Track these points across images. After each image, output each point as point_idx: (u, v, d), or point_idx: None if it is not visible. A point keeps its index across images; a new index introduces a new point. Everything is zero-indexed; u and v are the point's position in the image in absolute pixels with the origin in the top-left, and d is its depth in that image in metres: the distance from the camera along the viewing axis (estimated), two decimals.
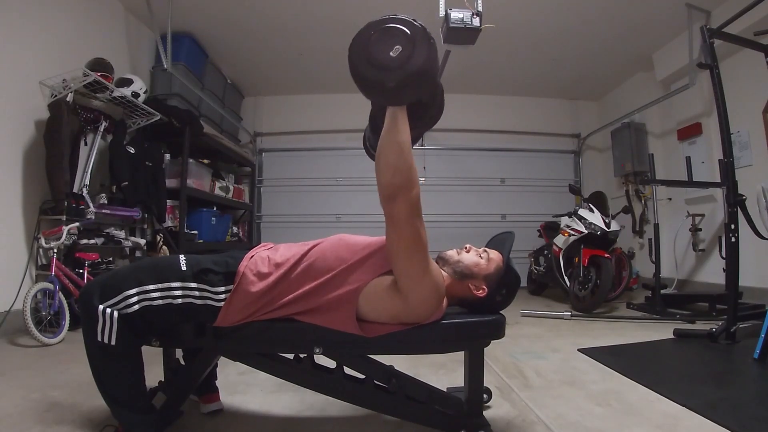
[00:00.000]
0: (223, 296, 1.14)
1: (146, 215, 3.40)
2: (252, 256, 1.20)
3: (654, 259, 3.66)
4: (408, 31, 0.99)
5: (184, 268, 1.14)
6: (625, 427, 1.33)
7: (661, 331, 2.67)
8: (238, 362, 1.25)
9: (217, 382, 1.47)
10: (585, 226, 3.67)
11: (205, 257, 1.20)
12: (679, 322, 2.96)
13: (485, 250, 1.29)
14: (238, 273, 1.15)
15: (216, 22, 3.94)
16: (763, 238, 2.61)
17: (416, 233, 1.05)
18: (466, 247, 1.29)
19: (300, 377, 1.26)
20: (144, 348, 1.19)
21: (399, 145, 1.02)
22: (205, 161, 4.34)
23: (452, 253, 1.29)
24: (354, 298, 1.10)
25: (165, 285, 1.12)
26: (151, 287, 1.11)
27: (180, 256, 1.19)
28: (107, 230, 3.08)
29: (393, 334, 1.13)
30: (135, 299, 1.11)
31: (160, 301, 1.11)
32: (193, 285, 1.13)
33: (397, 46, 0.98)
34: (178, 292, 1.12)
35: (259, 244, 1.35)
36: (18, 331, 2.37)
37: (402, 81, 0.98)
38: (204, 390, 1.42)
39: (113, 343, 1.09)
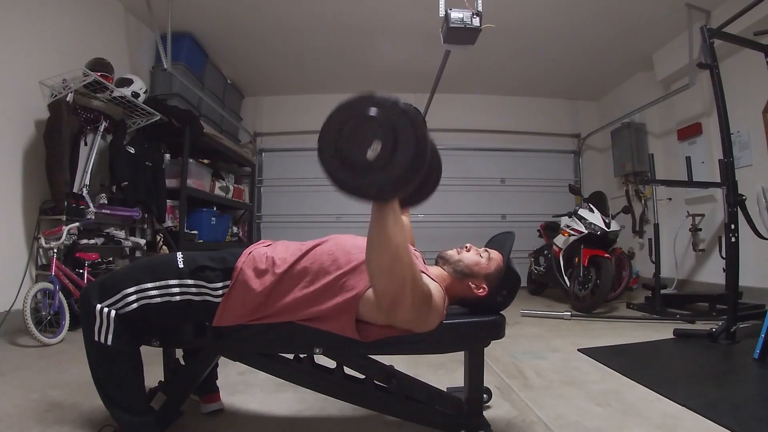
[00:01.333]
0: (220, 292, 1.13)
1: (146, 215, 3.40)
2: (250, 253, 1.19)
3: (654, 259, 3.66)
4: (387, 121, 0.76)
5: (181, 265, 1.14)
6: (625, 427, 1.33)
7: (661, 331, 2.67)
8: (238, 362, 1.25)
9: (218, 382, 1.47)
10: (585, 226, 3.67)
11: (202, 254, 1.19)
12: (679, 322, 2.96)
13: (486, 250, 1.29)
14: (236, 269, 1.14)
15: (216, 22, 3.94)
16: (763, 238, 2.61)
17: (425, 318, 1.01)
18: (466, 247, 1.29)
19: (300, 377, 1.25)
20: (144, 348, 1.19)
21: (391, 243, 0.86)
22: (205, 161, 4.34)
23: (453, 253, 1.29)
24: (353, 306, 1.08)
25: (163, 283, 1.12)
26: (149, 285, 1.11)
27: (178, 253, 1.19)
28: (107, 230, 3.08)
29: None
30: (133, 298, 1.11)
31: (159, 299, 1.11)
32: (190, 282, 1.13)
33: (376, 143, 0.76)
34: (176, 290, 1.12)
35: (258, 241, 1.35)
36: (18, 331, 2.37)
37: (383, 187, 0.78)
38: (205, 390, 1.42)
39: (109, 342, 1.09)
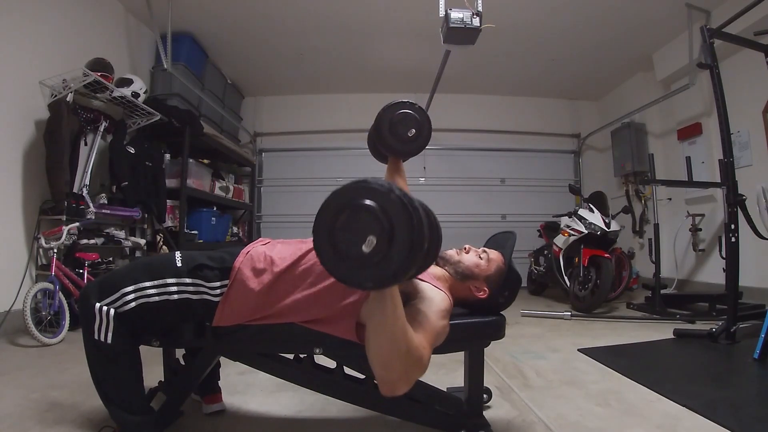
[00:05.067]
0: (218, 291, 1.13)
1: (146, 215, 3.39)
2: (248, 252, 1.19)
3: (654, 259, 3.66)
4: (383, 213, 0.72)
5: (179, 264, 1.14)
6: (625, 427, 1.33)
7: (661, 331, 2.67)
8: (238, 362, 1.25)
9: (219, 382, 1.47)
10: (585, 226, 3.67)
11: (200, 253, 1.19)
12: (679, 322, 2.96)
13: (484, 251, 1.28)
14: (234, 268, 1.14)
15: (216, 22, 3.94)
16: (763, 238, 2.61)
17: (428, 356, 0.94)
18: (465, 248, 1.29)
19: (300, 377, 1.25)
20: (144, 348, 1.19)
21: (388, 334, 0.84)
22: (205, 161, 4.33)
23: (452, 253, 1.29)
24: (354, 311, 1.07)
25: (161, 282, 1.12)
26: (148, 284, 1.11)
27: (176, 252, 1.19)
28: (107, 230, 3.08)
29: None
30: (132, 296, 1.10)
31: (157, 298, 1.11)
32: (188, 281, 1.12)
33: (371, 238, 0.72)
34: (174, 288, 1.12)
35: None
36: (18, 331, 2.37)
37: (381, 280, 0.75)
38: (206, 390, 1.42)
39: (109, 341, 1.09)
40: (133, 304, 1.10)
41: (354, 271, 0.75)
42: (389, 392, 0.88)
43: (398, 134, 1.42)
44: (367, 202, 0.73)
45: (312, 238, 1.12)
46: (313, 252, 1.16)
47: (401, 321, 0.84)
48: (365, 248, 0.72)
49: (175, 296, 1.12)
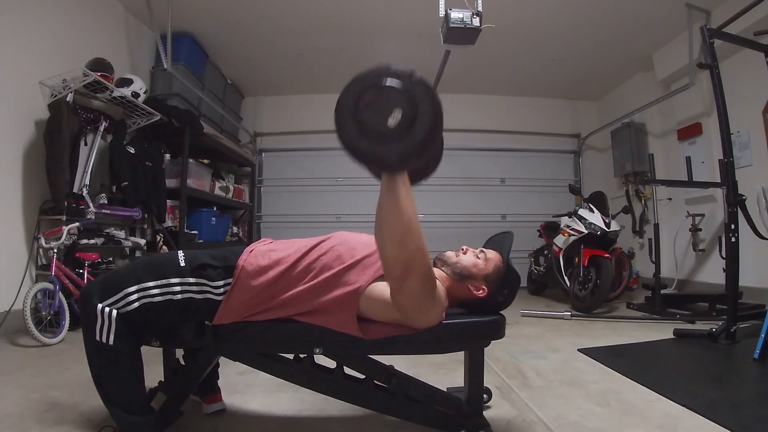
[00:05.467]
0: (222, 290, 1.13)
1: (146, 215, 3.39)
2: (251, 251, 1.20)
3: (654, 259, 3.66)
4: (406, 90, 0.80)
5: (182, 263, 1.14)
6: (625, 427, 1.33)
7: (661, 331, 2.67)
8: (238, 362, 1.25)
9: (218, 382, 1.47)
10: (585, 226, 3.67)
11: (203, 252, 1.19)
12: (679, 322, 2.96)
13: (482, 251, 1.29)
14: (237, 267, 1.14)
15: (216, 22, 3.94)
16: (763, 238, 2.61)
17: (434, 297, 1.02)
18: (463, 249, 1.29)
19: (300, 377, 1.25)
20: (144, 348, 1.19)
21: (403, 213, 0.90)
22: (205, 161, 4.33)
23: (451, 254, 1.29)
24: (354, 299, 1.09)
25: (164, 281, 1.12)
26: (151, 284, 1.11)
27: (179, 252, 1.19)
28: (107, 230, 3.08)
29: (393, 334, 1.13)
30: (135, 296, 1.10)
31: (160, 298, 1.11)
32: (191, 280, 1.13)
33: (396, 111, 0.79)
34: (177, 288, 1.12)
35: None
36: (18, 331, 2.37)
37: (404, 154, 0.82)
38: (206, 390, 1.41)
39: (111, 343, 1.09)
40: (136, 304, 1.10)
41: (378, 147, 0.81)
42: (401, 273, 0.92)
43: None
44: (392, 82, 0.80)
45: (313, 243, 1.15)
46: (317, 248, 1.18)
47: (412, 205, 0.91)
48: (391, 121, 0.79)
49: (179, 296, 1.12)
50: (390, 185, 0.90)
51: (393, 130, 0.79)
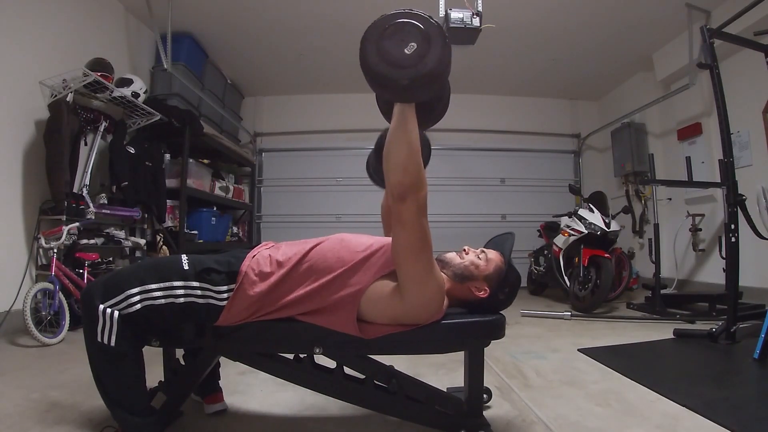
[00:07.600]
0: (225, 295, 1.14)
1: (146, 215, 3.40)
2: (254, 256, 1.20)
3: (654, 259, 3.66)
4: (424, 29, 0.96)
5: (186, 267, 1.14)
6: (625, 427, 1.33)
7: (661, 331, 2.67)
8: (238, 362, 1.25)
9: (219, 382, 1.47)
10: (585, 226, 3.67)
11: (207, 257, 1.19)
12: (679, 322, 2.96)
13: (483, 251, 1.29)
14: (240, 272, 1.15)
15: (216, 22, 3.94)
16: (763, 238, 2.61)
17: (423, 233, 1.06)
18: (464, 250, 1.29)
19: (300, 377, 1.25)
20: (144, 348, 1.19)
21: (408, 143, 1.01)
22: (205, 161, 4.33)
23: (452, 256, 1.29)
24: (355, 300, 1.10)
25: (167, 284, 1.12)
26: (154, 286, 1.11)
27: (182, 255, 1.19)
28: (107, 230, 3.08)
29: (393, 334, 1.13)
30: (137, 298, 1.10)
31: (162, 301, 1.11)
32: (195, 284, 1.13)
33: (412, 44, 0.95)
34: (180, 291, 1.12)
35: (260, 243, 1.35)
36: (18, 331, 2.37)
37: (415, 80, 0.95)
38: (207, 390, 1.41)
39: (113, 344, 1.09)
40: (138, 306, 1.10)
41: (394, 70, 0.95)
42: (401, 193, 1.01)
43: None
44: (413, 20, 0.97)
45: (313, 244, 1.16)
46: (318, 248, 1.18)
47: (417, 138, 1.02)
48: (407, 50, 0.95)
49: (181, 299, 1.12)
50: (400, 117, 1.01)
51: (408, 57, 0.94)
